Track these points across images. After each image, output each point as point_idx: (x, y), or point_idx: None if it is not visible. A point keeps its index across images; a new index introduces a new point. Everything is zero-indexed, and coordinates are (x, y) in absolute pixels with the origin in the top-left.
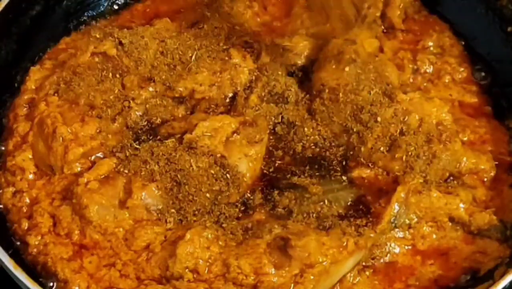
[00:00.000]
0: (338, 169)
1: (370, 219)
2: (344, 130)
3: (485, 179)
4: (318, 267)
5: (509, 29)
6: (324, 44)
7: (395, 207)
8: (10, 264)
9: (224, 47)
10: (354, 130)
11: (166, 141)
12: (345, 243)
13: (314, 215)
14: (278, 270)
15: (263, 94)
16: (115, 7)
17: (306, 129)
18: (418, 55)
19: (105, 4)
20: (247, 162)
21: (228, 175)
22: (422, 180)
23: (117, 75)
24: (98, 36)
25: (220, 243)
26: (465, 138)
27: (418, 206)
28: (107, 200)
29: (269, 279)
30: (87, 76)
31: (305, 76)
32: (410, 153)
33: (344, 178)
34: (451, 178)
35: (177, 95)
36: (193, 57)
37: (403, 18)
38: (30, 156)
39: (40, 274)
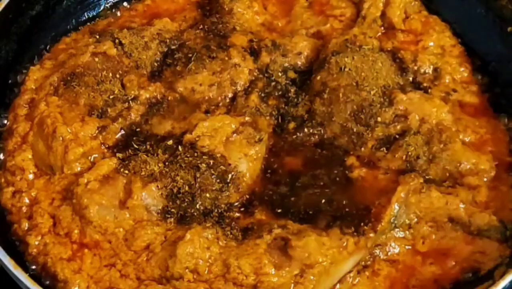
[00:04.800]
0: (338, 169)
1: (370, 219)
2: (344, 130)
3: (485, 179)
4: (318, 267)
5: (509, 29)
6: (324, 44)
7: (395, 207)
8: (10, 264)
9: (224, 47)
10: (354, 130)
11: (166, 141)
12: (345, 243)
13: (314, 215)
14: (278, 270)
15: (263, 94)
16: (115, 7)
17: (306, 129)
18: (418, 55)
19: (105, 4)
20: (247, 162)
21: (228, 175)
22: (422, 180)
23: (117, 75)
24: (98, 36)
25: (220, 243)
26: (465, 139)
27: (418, 206)
28: (107, 200)
29: (269, 279)
30: (87, 76)
31: (305, 76)
32: (410, 153)
33: (344, 178)
34: (451, 178)
35: (177, 95)
36: (193, 57)
37: (403, 18)
38: (30, 156)
39: (40, 274)
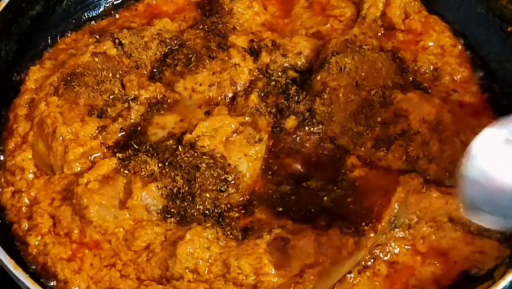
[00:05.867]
0: (338, 169)
1: (371, 219)
2: (344, 130)
3: None
4: (318, 267)
5: (509, 29)
6: (324, 44)
7: (395, 207)
8: (10, 264)
9: (224, 47)
10: (354, 130)
11: (166, 141)
12: (345, 243)
13: (314, 215)
14: (278, 270)
15: (263, 94)
16: (115, 7)
17: (306, 128)
18: (418, 55)
19: (105, 4)
20: (247, 162)
21: (228, 175)
22: (422, 180)
23: (117, 75)
24: (98, 36)
25: (220, 243)
26: (465, 139)
27: (418, 206)
28: (107, 200)
29: (269, 279)
30: (87, 76)
31: (305, 76)
32: (410, 153)
33: (344, 178)
34: (451, 178)
35: (177, 95)
36: (193, 57)
37: (403, 18)
38: (30, 156)
39: (40, 274)
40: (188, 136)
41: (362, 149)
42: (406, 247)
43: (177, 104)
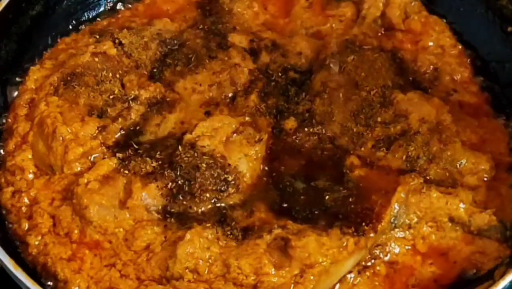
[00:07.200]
0: (338, 169)
1: (371, 219)
2: (344, 130)
3: (485, 179)
4: (318, 267)
5: (509, 29)
6: (324, 44)
7: (395, 207)
8: (10, 264)
9: (224, 47)
10: (354, 130)
11: (166, 141)
12: (345, 243)
13: (314, 215)
14: (278, 270)
15: (263, 94)
16: (115, 7)
17: (306, 129)
18: (418, 55)
19: (105, 4)
20: (247, 162)
21: (228, 175)
22: (422, 180)
23: (117, 75)
24: (98, 36)
25: (220, 243)
26: (465, 139)
27: (418, 206)
28: (107, 200)
29: (269, 279)
30: (87, 76)
31: (305, 76)
32: (410, 153)
33: (344, 178)
34: (451, 178)
35: (177, 95)
36: (193, 57)
37: (403, 18)
38: (30, 156)
39: (40, 274)
40: (188, 136)
41: (362, 149)
42: (406, 247)
43: (177, 104)
